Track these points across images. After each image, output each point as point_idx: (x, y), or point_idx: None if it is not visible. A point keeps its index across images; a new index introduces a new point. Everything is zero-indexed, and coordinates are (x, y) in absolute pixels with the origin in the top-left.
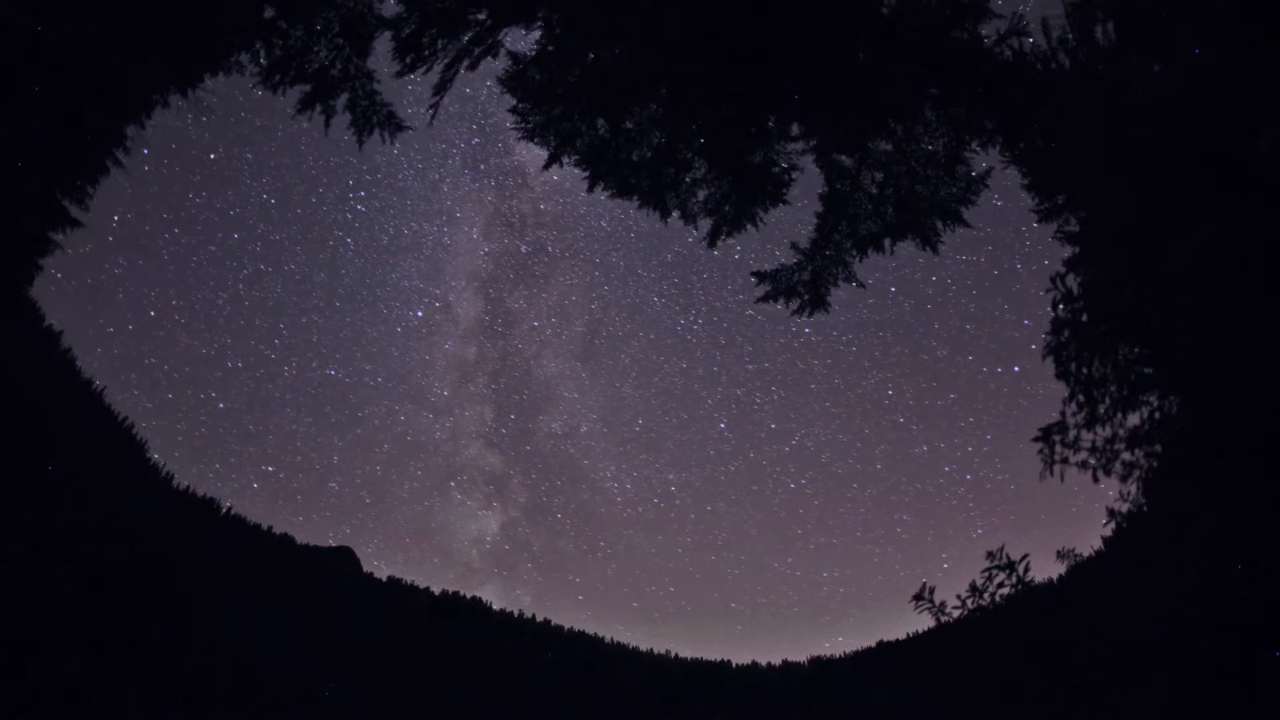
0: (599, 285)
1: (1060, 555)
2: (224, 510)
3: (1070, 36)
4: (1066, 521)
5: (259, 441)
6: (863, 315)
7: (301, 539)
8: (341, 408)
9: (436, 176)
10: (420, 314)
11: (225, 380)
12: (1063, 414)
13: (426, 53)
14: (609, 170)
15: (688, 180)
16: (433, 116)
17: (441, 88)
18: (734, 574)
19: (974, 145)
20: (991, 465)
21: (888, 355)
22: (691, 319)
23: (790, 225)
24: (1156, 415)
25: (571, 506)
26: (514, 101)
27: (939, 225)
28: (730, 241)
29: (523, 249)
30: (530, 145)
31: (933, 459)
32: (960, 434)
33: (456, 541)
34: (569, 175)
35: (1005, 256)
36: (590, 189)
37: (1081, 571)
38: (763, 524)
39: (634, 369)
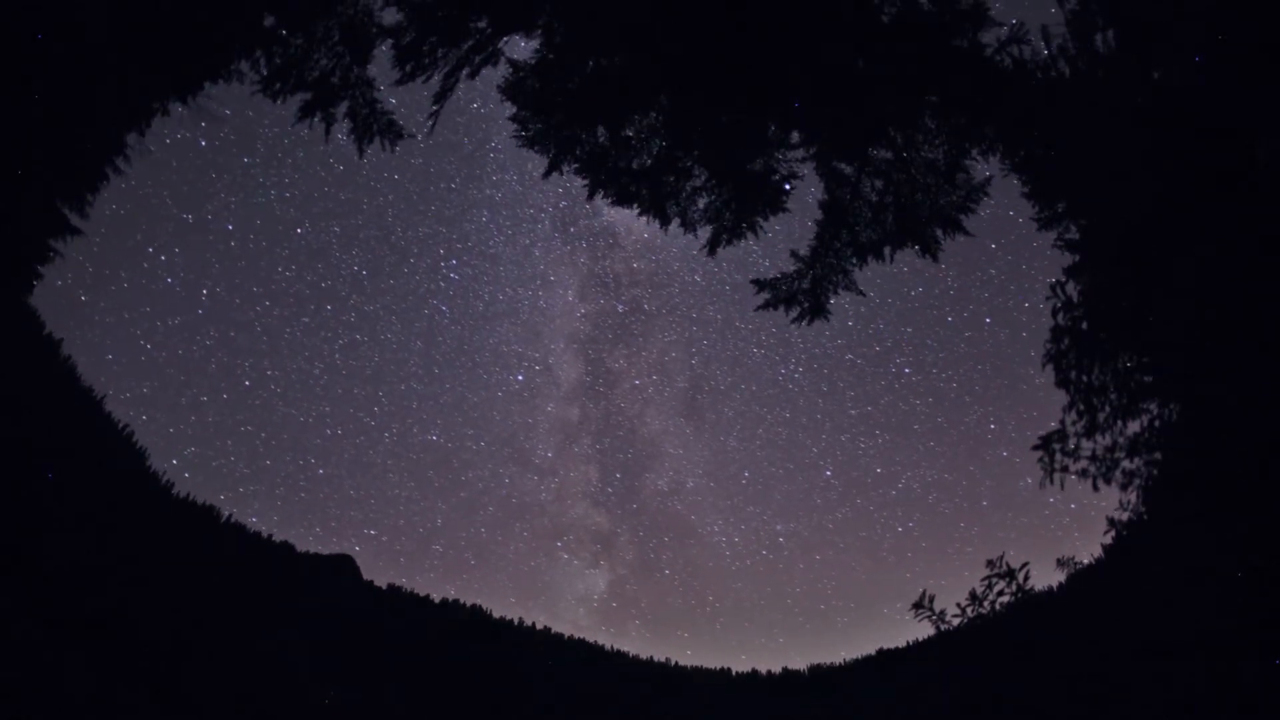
0: (697, 340)
1: (1060, 563)
2: (224, 518)
3: (1070, 44)
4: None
5: (361, 506)
6: (960, 350)
7: None
8: (444, 472)
9: (527, 241)
10: (521, 378)
11: (325, 447)
12: (1063, 422)
13: (427, 61)
14: (609, 178)
15: (688, 188)
16: (432, 125)
17: (442, 96)
18: (843, 622)
19: (974, 153)
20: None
21: (988, 389)
22: (792, 367)
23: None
24: (1157, 423)
25: (679, 562)
26: (514, 109)
27: (939, 233)
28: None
29: (619, 308)
30: (619, 206)
31: (1037, 491)
32: None
33: (563, 601)
34: (659, 232)
35: None
36: (590, 197)
37: (1081, 580)
38: (872, 570)
39: (738, 421)
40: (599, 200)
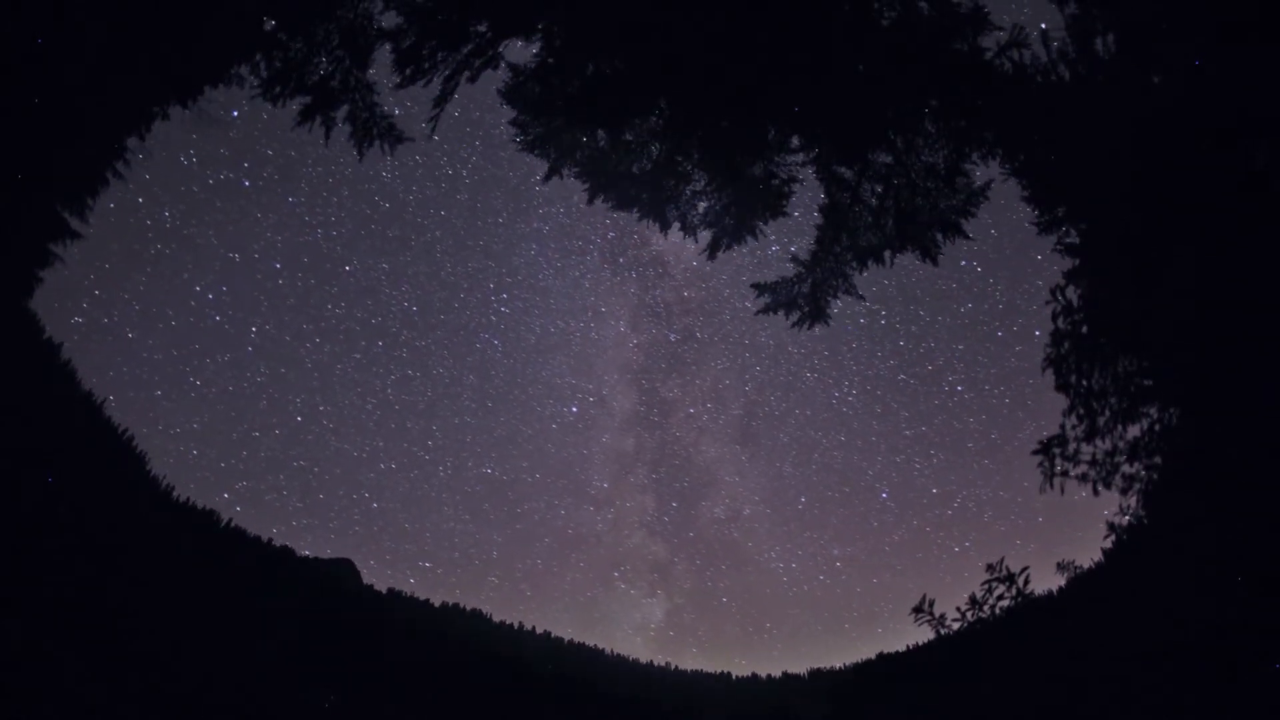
0: (750, 367)
1: (1060, 567)
2: (224, 523)
3: (1070, 48)
4: None
5: (415, 539)
6: (1011, 364)
7: None
8: (500, 504)
9: (577, 273)
10: (575, 409)
11: (378, 481)
12: (1063, 426)
13: (427, 65)
14: (609, 183)
15: (688, 192)
16: (433, 129)
17: (442, 99)
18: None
19: (974, 157)
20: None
21: (1039, 403)
22: (845, 390)
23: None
24: (1157, 427)
25: (737, 589)
26: (514, 114)
27: (939, 238)
28: (874, 306)
29: (671, 337)
30: (669, 234)
31: (1091, 504)
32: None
33: (620, 630)
34: (708, 260)
35: None
36: (590, 201)
37: (1081, 584)
38: (929, 592)
39: (793, 447)
40: (648, 228)
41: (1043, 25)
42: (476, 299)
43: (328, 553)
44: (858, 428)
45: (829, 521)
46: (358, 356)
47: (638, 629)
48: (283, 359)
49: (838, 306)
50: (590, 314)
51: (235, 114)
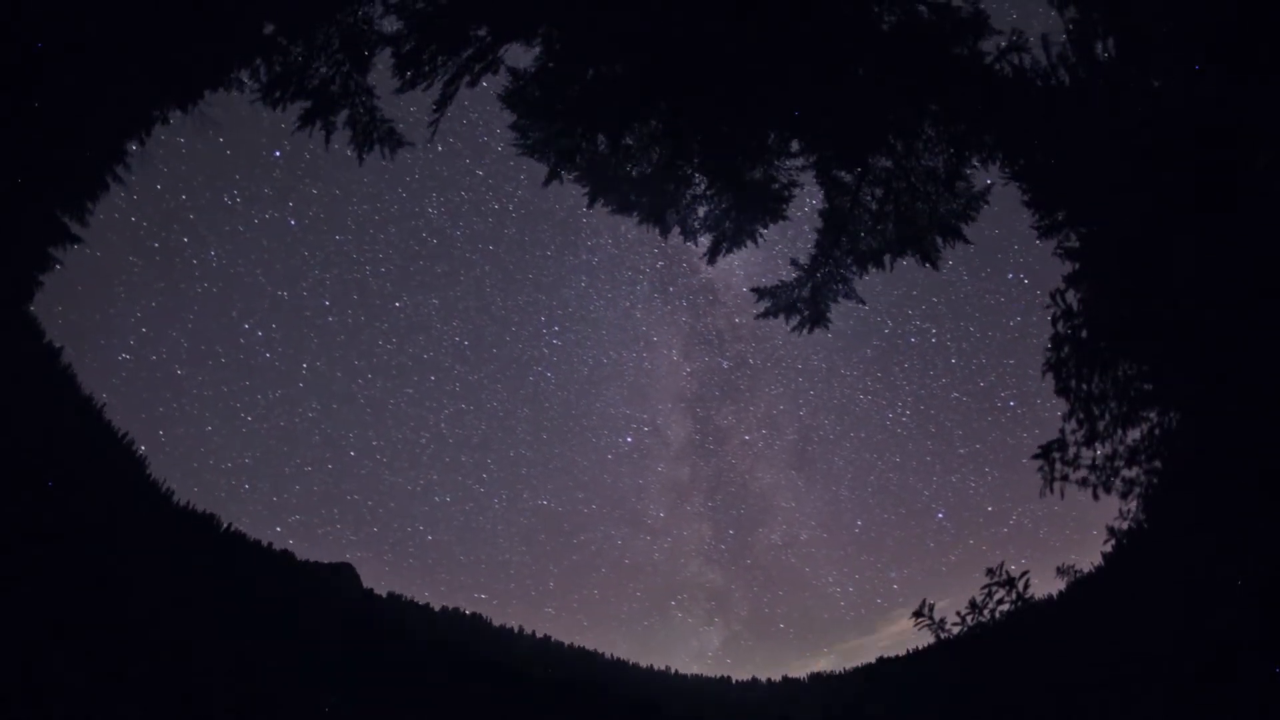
0: (804, 391)
1: (1060, 571)
2: (224, 527)
3: (1070, 52)
4: None
5: (471, 570)
6: None
7: None
8: (556, 536)
9: (628, 304)
10: (630, 439)
11: (433, 514)
12: (1062, 431)
13: (427, 69)
14: (609, 187)
15: (688, 196)
16: (433, 133)
17: (442, 104)
18: None
19: (974, 161)
20: None
21: None
22: (899, 411)
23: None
24: (1157, 431)
25: (794, 615)
26: (513, 118)
27: (939, 242)
28: (925, 325)
29: (724, 365)
30: (719, 261)
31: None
32: None
33: (678, 659)
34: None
35: None
36: (590, 205)
37: (1081, 588)
38: None
39: (848, 470)
40: (696, 256)
41: (1043, 31)
42: (528, 332)
43: (382, 585)
44: (912, 448)
45: (885, 544)
46: (410, 391)
47: (695, 657)
48: (335, 394)
49: (889, 328)
50: (642, 344)
51: (278, 154)
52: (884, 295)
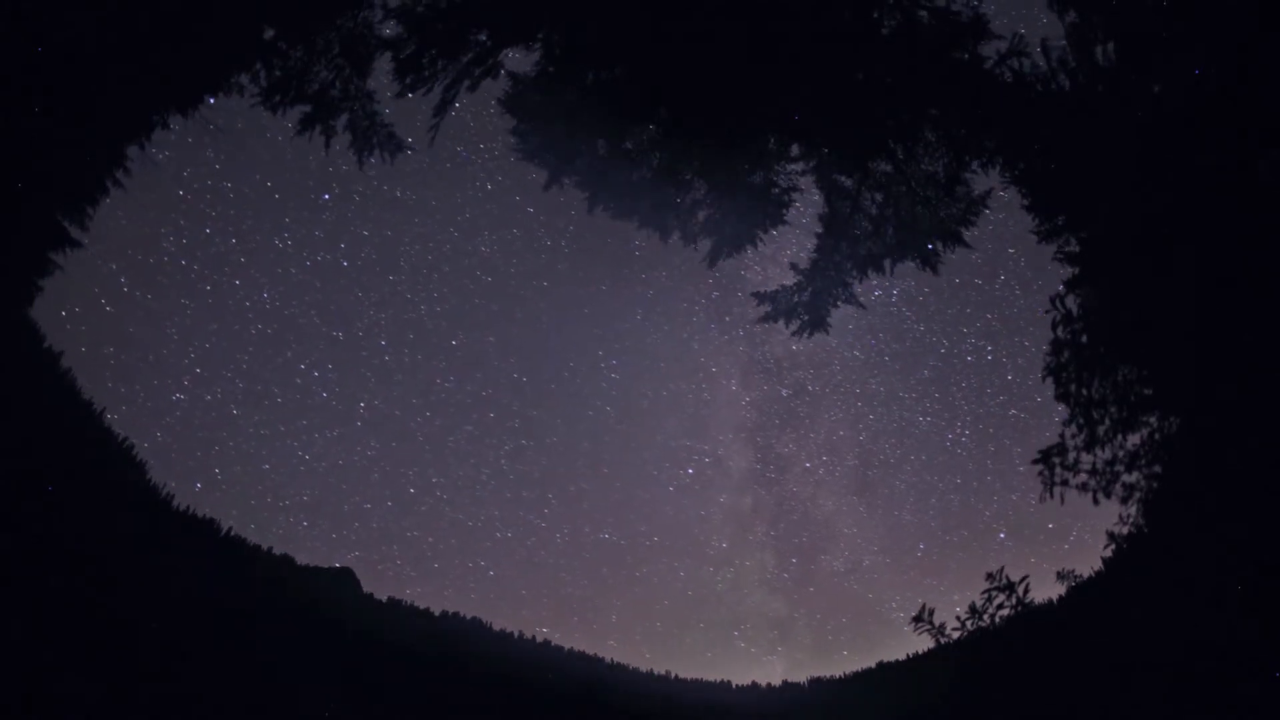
0: (864, 415)
1: (1060, 576)
2: (224, 531)
3: (1070, 57)
4: None
5: (533, 605)
6: None
7: None
8: (618, 569)
9: (685, 335)
10: (691, 471)
11: (495, 550)
12: (1062, 436)
13: (426, 73)
14: (609, 191)
15: (688, 201)
16: (433, 137)
17: (442, 108)
18: None
19: (974, 166)
20: None
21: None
22: (959, 431)
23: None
24: (1157, 436)
25: (858, 642)
26: (514, 122)
27: (939, 246)
28: (980, 343)
29: (783, 393)
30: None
31: None
32: None
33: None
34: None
35: None
36: (590, 210)
37: (1081, 593)
38: None
39: (910, 494)
40: (751, 284)
41: (1043, 36)
42: (586, 367)
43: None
44: (972, 469)
45: (948, 567)
46: (470, 429)
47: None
48: (393, 433)
49: (945, 347)
50: (701, 375)
51: (327, 196)
52: (938, 315)
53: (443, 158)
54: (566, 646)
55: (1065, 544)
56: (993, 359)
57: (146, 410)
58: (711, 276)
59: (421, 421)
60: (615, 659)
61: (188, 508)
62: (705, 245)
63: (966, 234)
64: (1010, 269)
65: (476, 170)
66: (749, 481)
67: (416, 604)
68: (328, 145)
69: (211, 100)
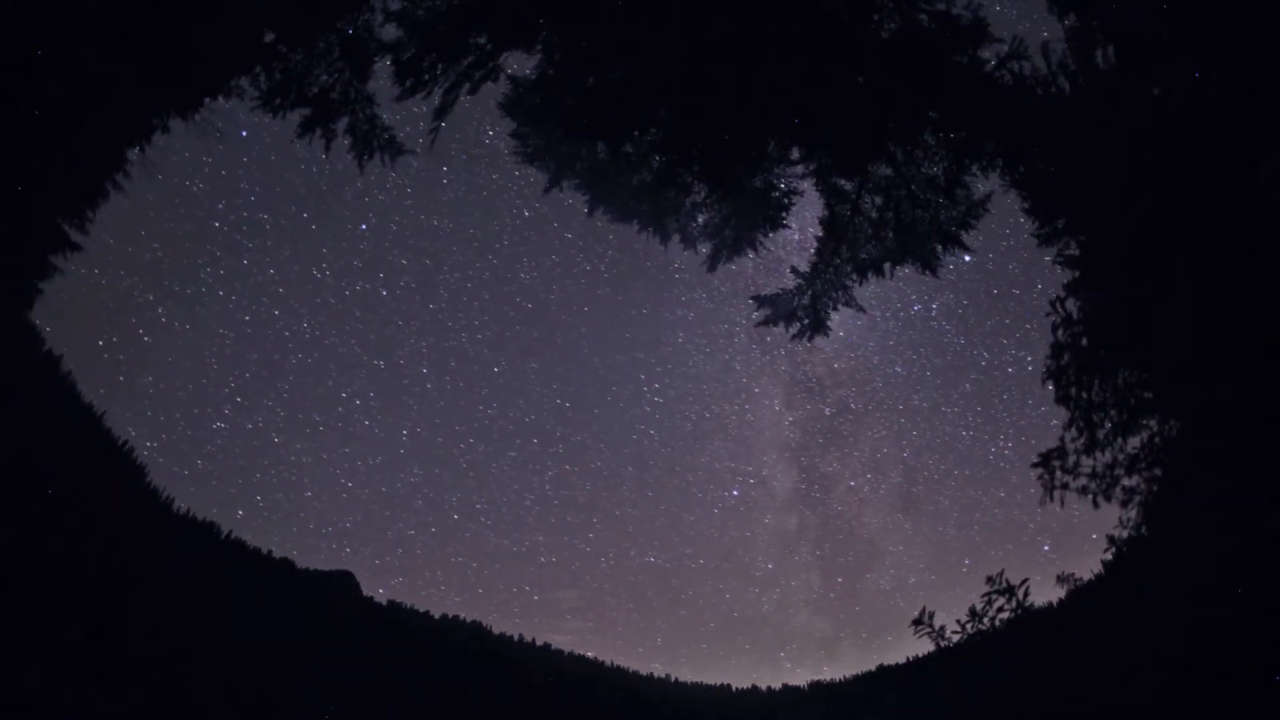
0: (907, 432)
1: (1060, 580)
2: (224, 534)
3: (1070, 60)
4: None
5: (577, 629)
6: None
7: None
8: (664, 592)
9: (726, 356)
10: (736, 493)
11: (539, 574)
12: (1062, 439)
13: (427, 77)
14: (609, 195)
15: (688, 204)
16: (433, 141)
17: (442, 112)
18: None
19: (974, 169)
20: None
21: None
22: (1001, 444)
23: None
24: (1157, 439)
25: (904, 661)
26: (514, 125)
27: (939, 250)
28: (1020, 354)
29: (826, 411)
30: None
31: None
32: None
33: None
34: (855, 329)
35: None
36: (590, 213)
37: (1081, 596)
38: None
39: (954, 509)
40: None
41: (1043, 39)
42: (629, 391)
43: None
44: (1016, 482)
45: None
46: (513, 455)
47: None
48: (436, 460)
49: (985, 360)
50: (744, 396)
51: (364, 227)
52: (978, 327)
53: (478, 185)
54: (566, 650)
55: (1109, 555)
56: (1034, 370)
57: (187, 438)
58: (751, 297)
59: (465, 448)
60: (613, 661)
61: (188, 510)
62: (705, 249)
63: (966, 237)
64: (1047, 278)
65: (513, 198)
66: (794, 502)
67: (415, 607)
68: (328, 148)
69: (221, 102)
